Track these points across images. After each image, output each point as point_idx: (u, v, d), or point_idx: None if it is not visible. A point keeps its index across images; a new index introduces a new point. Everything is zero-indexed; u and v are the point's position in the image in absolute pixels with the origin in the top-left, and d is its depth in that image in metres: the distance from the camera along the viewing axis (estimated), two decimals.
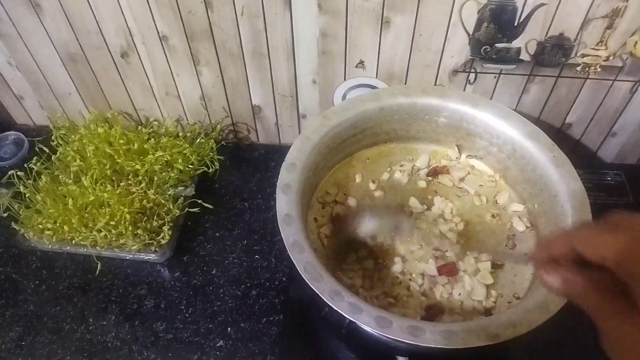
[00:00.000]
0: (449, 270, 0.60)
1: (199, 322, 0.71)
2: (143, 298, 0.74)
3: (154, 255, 0.75)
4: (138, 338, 0.70)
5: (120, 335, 0.70)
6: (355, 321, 0.48)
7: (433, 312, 0.58)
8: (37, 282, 0.76)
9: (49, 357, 0.68)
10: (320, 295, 0.49)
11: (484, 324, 0.47)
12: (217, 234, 0.81)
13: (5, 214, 0.77)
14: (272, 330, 0.70)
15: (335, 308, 0.48)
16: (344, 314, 0.49)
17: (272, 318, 0.71)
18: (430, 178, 0.68)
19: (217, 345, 0.69)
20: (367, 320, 0.47)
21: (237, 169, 0.90)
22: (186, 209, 0.78)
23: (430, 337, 0.46)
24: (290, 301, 0.70)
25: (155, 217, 0.75)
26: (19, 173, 0.76)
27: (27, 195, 0.76)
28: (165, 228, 0.74)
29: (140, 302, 0.73)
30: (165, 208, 0.76)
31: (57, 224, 0.73)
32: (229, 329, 0.70)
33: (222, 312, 0.72)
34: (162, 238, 0.74)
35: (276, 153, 0.92)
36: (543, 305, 0.49)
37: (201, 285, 0.75)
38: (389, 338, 0.47)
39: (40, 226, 0.74)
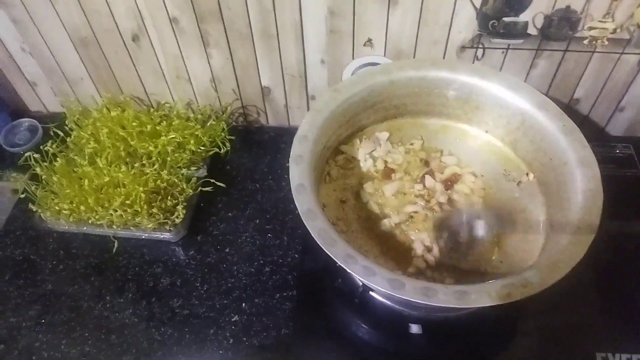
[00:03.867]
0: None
1: (214, 298, 0.72)
2: (159, 276, 0.75)
3: (168, 234, 0.76)
4: (155, 314, 0.71)
5: (137, 312, 0.72)
6: (369, 284, 0.49)
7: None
8: (54, 262, 0.77)
9: (68, 334, 0.70)
10: (335, 259, 0.50)
11: (495, 284, 0.48)
12: (229, 213, 0.82)
13: (23, 195, 0.79)
14: (286, 305, 0.71)
15: (349, 271, 0.49)
16: (357, 277, 0.50)
17: (285, 294, 0.72)
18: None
19: (233, 320, 0.70)
20: (381, 282, 0.48)
21: (248, 151, 0.91)
22: (199, 189, 0.79)
23: (443, 297, 0.47)
24: (303, 276, 0.71)
25: (169, 197, 0.76)
26: (34, 155, 0.77)
27: (43, 178, 0.77)
28: (179, 207, 0.75)
29: (156, 280, 0.75)
30: (179, 188, 0.78)
31: (74, 205, 0.74)
32: (244, 304, 0.72)
33: (237, 288, 0.73)
34: (177, 217, 0.76)
35: (286, 135, 0.93)
36: (554, 266, 0.49)
37: (215, 263, 0.76)
38: (403, 300, 0.48)
39: (57, 207, 0.75)
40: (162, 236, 0.76)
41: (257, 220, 0.81)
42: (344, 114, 0.66)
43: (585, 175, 0.57)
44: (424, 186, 0.66)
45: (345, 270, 0.50)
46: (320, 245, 0.51)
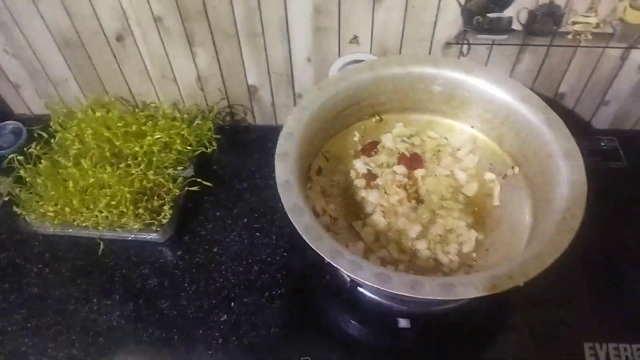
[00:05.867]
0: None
1: (202, 299, 0.72)
2: (146, 277, 0.74)
3: (155, 234, 0.75)
4: (143, 316, 0.70)
5: (125, 314, 0.71)
6: (357, 278, 0.48)
7: None
8: (40, 265, 0.76)
9: (55, 338, 0.69)
10: (322, 255, 0.49)
11: (481, 276, 0.48)
12: (217, 213, 0.81)
13: (7, 198, 0.78)
14: (275, 304, 0.71)
15: (336, 266, 0.49)
16: (345, 272, 0.49)
17: (274, 292, 0.72)
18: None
19: (221, 319, 0.70)
20: (368, 277, 0.48)
21: (235, 150, 0.90)
22: (186, 189, 0.78)
23: (429, 289, 0.47)
24: (292, 274, 0.71)
25: (155, 197, 0.76)
26: (19, 157, 0.76)
27: (27, 180, 0.76)
28: (166, 207, 0.75)
29: (144, 281, 0.74)
30: (165, 188, 0.77)
31: (59, 207, 0.74)
32: (232, 303, 0.71)
33: (225, 288, 0.73)
34: (163, 217, 0.75)
35: (273, 134, 0.90)
36: (539, 257, 0.49)
37: (203, 263, 0.76)
38: (390, 294, 0.48)
39: (41, 210, 0.75)
40: (148, 237, 0.76)
41: (245, 220, 0.81)
42: (330, 110, 0.66)
43: (569, 167, 0.57)
44: (404, 176, 0.66)
45: (333, 266, 0.50)
46: (307, 241, 0.51)
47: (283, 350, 0.65)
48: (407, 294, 0.47)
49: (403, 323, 0.60)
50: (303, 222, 0.52)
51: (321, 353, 0.62)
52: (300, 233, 0.51)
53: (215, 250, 0.77)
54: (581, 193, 0.54)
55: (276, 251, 0.76)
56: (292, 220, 0.52)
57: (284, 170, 0.57)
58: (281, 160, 0.58)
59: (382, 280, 0.47)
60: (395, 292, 0.47)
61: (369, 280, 0.48)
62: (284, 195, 0.55)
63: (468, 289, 0.47)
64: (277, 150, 0.59)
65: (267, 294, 0.72)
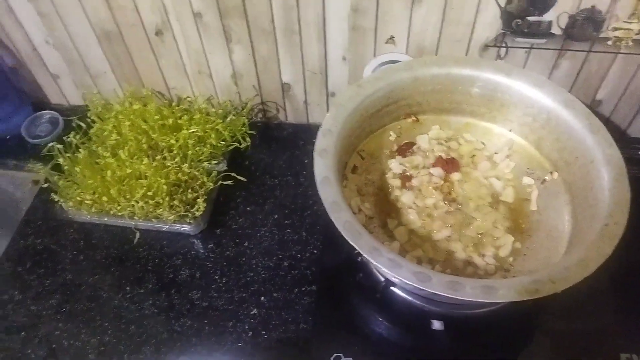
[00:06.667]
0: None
1: (232, 292, 0.73)
2: (178, 268, 0.75)
3: (188, 226, 0.76)
4: (174, 306, 0.71)
5: (157, 303, 0.72)
6: (395, 276, 0.49)
7: None
8: (75, 252, 0.78)
9: (88, 323, 0.70)
10: (360, 251, 0.50)
11: (523, 280, 0.48)
12: (248, 208, 0.82)
13: (45, 185, 0.79)
14: (305, 300, 0.71)
15: (374, 263, 0.49)
16: (383, 270, 0.50)
17: (304, 288, 0.72)
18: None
19: (251, 313, 0.70)
20: (407, 275, 0.48)
21: (267, 147, 0.91)
22: (220, 182, 0.79)
23: (471, 291, 0.47)
24: (323, 271, 0.71)
25: (189, 190, 0.77)
26: (58, 146, 0.78)
27: (65, 168, 0.78)
28: (200, 200, 0.76)
29: (176, 272, 0.75)
30: (199, 181, 0.78)
31: (96, 195, 0.75)
32: (262, 298, 0.72)
33: (255, 282, 0.74)
34: (197, 210, 0.76)
35: (305, 132, 0.93)
36: (582, 262, 0.49)
37: (234, 257, 0.76)
38: (427, 294, 0.48)
39: (79, 198, 0.76)
40: (182, 228, 0.77)
41: (276, 215, 0.81)
42: (367, 109, 0.67)
43: (611, 173, 0.56)
44: (440, 178, 0.66)
45: (367, 265, 0.50)
46: (346, 237, 0.51)
47: (313, 347, 0.65)
48: (447, 295, 0.46)
49: (437, 325, 0.60)
50: (342, 219, 0.52)
51: (351, 351, 0.62)
52: (339, 229, 0.51)
53: (246, 244, 0.78)
54: (624, 200, 0.54)
55: (306, 248, 0.77)
56: (331, 216, 0.53)
57: (323, 166, 0.57)
58: (320, 156, 0.58)
59: (422, 280, 0.47)
60: (435, 292, 0.47)
61: (408, 279, 0.48)
62: (323, 191, 0.55)
63: (510, 292, 0.46)
64: (315, 146, 0.59)
65: (297, 290, 0.72)
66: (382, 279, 0.61)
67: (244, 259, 0.76)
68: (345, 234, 0.51)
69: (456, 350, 0.61)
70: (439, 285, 0.47)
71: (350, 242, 0.51)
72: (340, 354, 0.59)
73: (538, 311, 0.65)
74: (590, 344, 0.62)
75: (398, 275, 0.48)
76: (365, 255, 0.50)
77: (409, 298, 0.62)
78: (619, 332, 0.64)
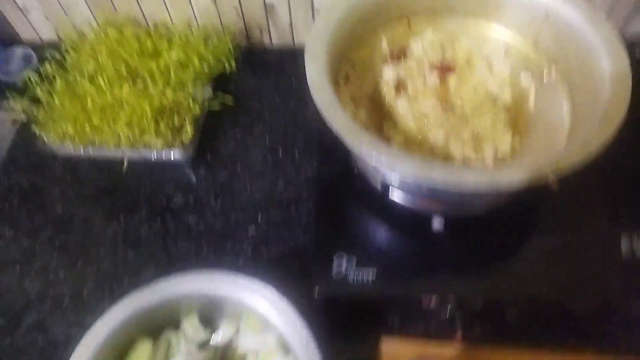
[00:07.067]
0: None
1: (229, 214, 0.72)
2: (171, 196, 0.74)
3: (177, 154, 0.74)
4: (170, 231, 0.70)
5: (153, 229, 0.71)
6: (399, 170, 0.47)
7: None
8: (62, 186, 0.75)
9: (84, 253, 0.69)
10: (358, 150, 0.48)
11: (527, 164, 0.47)
12: (237, 133, 0.80)
13: (24, 117, 0.76)
14: (303, 217, 0.70)
15: (377, 160, 0.48)
16: (385, 165, 0.48)
17: (300, 207, 0.71)
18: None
19: (249, 234, 0.70)
20: (409, 168, 0.47)
21: (252, 71, 0.88)
22: (206, 109, 0.77)
23: (474, 178, 0.46)
24: (319, 188, 0.70)
25: (175, 116, 0.74)
26: (33, 76, 0.74)
27: (43, 99, 0.74)
28: (187, 124, 0.73)
29: (169, 199, 0.73)
30: (185, 106, 0.75)
31: (78, 125, 0.72)
32: (259, 218, 0.71)
33: (251, 204, 0.72)
34: (185, 136, 0.73)
35: (290, 55, 0.90)
36: (585, 145, 0.48)
37: (227, 181, 0.75)
38: (428, 189, 0.47)
39: (60, 129, 0.73)
40: (171, 157, 0.74)
41: (267, 139, 0.79)
42: (359, 11, 0.63)
43: (612, 60, 0.55)
44: (435, 82, 0.64)
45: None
46: (343, 137, 0.49)
47: (313, 261, 0.65)
48: (450, 184, 0.45)
49: (436, 225, 0.60)
50: (339, 119, 0.50)
51: (352, 261, 0.62)
52: (336, 130, 0.50)
53: (238, 168, 0.76)
54: (625, 84, 0.52)
55: (300, 169, 0.75)
56: (327, 118, 0.51)
57: (316, 71, 0.55)
58: (312, 60, 0.56)
59: (425, 170, 0.46)
60: (439, 182, 0.46)
61: (411, 170, 0.46)
62: (317, 95, 0.53)
63: (514, 175, 0.46)
64: (306, 51, 0.57)
65: (293, 207, 0.71)
66: (380, 186, 0.60)
67: (237, 182, 0.75)
68: (344, 134, 0.49)
69: (456, 253, 0.60)
70: (442, 174, 0.46)
71: (349, 142, 0.49)
72: (343, 252, 0.58)
73: (537, 207, 0.65)
74: (592, 227, 0.61)
75: (401, 169, 0.47)
76: (365, 153, 0.48)
77: (408, 205, 0.61)
78: (621, 213, 0.64)
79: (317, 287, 0.57)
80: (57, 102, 0.73)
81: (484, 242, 0.61)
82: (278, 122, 0.81)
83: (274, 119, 0.81)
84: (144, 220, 0.71)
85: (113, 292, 0.66)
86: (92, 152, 0.75)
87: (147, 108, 0.70)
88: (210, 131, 0.80)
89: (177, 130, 0.74)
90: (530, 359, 0.55)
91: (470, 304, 0.58)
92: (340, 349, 0.50)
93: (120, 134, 0.71)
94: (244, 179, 0.75)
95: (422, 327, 0.59)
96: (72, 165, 0.77)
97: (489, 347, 0.57)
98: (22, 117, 0.76)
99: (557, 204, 0.63)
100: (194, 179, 0.75)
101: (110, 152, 0.74)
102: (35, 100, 0.76)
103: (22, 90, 0.77)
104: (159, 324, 0.53)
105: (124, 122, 0.70)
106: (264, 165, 0.76)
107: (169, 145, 0.74)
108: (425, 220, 0.60)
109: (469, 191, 0.46)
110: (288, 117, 0.82)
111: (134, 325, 0.50)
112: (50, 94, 0.74)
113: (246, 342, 0.54)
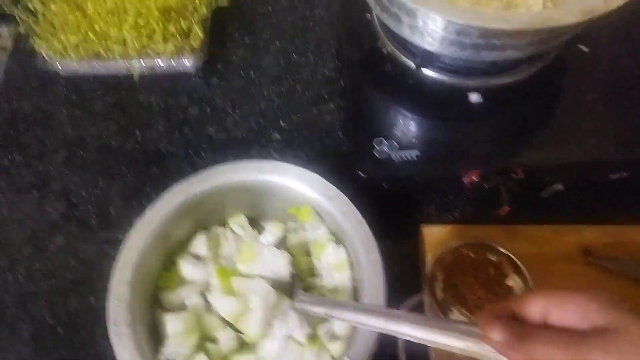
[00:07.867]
0: None
1: (249, 120, 0.69)
2: (186, 108, 0.71)
3: (187, 63, 0.70)
4: (191, 142, 0.68)
5: (172, 142, 0.68)
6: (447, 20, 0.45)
7: None
8: (69, 107, 0.71)
9: (103, 172, 0.66)
10: (400, 14, 0.45)
11: (573, 4, 0.45)
12: (246, 39, 0.76)
13: (22, 29, 0.70)
14: (325, 118, 0.68)
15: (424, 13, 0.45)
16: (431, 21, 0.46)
17: (322, 107, 0.69)
18: None
19: (274, 138, 0.67)
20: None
21: None
22: (214, 5, 0.72)
23: (524, 19, 0.43)
24: (346, 76, 0.67)
25: (182, 20, 0.70)
26: None
27: (39, 11, 0.69)
28: (195, 26, 0.69)
29: (185, 111, 0.70)
30: (191, 8, 0.71)
31: (81, 33, 0.67)
32: (281, 122, 0.69)
33: (270, 109, 0.70)
34: (194, 39, 0.69)
35: None
36: None
37: (243, 89, 0.72)
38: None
39: (61, 42, 0.68)
40: (182, 65, 0.70)
41: (277, 43, 0.76)
42: None
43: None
44: None
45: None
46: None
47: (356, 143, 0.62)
48: (498, 27, 0.43)
49: (474, 98, 0.58)
50: None
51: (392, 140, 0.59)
52: None
53: (252, 74, 0.73)
54: None
55: (316, 69, 0.73)
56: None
57: None
58: None
59: (473, 16, 0.44)
60: (487, 25, 0.43)
61: (466, 15, 0.44)
62: None
63: (566, 16, 0.44)
64: None
65: (314, 109, 0.69)
66: (413, 65, 0.57)
67: (253, 88, 0.72)
68: None
69: (493, 122, 0.59)
70: (491, 19, 0.43)
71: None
72: (382, 137, 0.56)
73: (570, 75, 0.63)
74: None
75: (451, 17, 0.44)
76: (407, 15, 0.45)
77: (443, 77, 0.59)
78: None
79: (363, 167, 0.54)
80: (53, 9, 0.67)
81: (520, 112, 0.59)
82: (287, 25, 0.77)
83: (282, 22, 0.78)
84: (163, 135, 0.68)
85: (143, 205, 0.63)
86: (97, 66, 0.70)
87: (153, 6, 0.66)
88: (217, 38, 0.75)
89: (186, 35, 0.70)
90: (570, 233, 0.54)
91: (511, 175, 0.57)
92: (384, 236, 0.49)
93: (127, 39, 0.66)
94: (260, 85, 0.72)
95: (463, 211, 0.59)
96: (76, 84, 0.72)
97: (529, 225, 0.56)
98: (20, 29, 0.70)
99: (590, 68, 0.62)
100: (208, 89, 0.72)
101: (117, 66, 0.70)
102: (30, 12, 0.70)
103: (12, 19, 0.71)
104: (205, 219, 0.51)
105: (130, 25, 0.65)
106: (278, 70, 0.73)
107: (179, 52, 0.70)
108: (462, 94, 0.58)
109: (524, 30, 0.44)
110: (297, 20, 0.78)
111: (183, 215, 0.49)
112: (43, 3, 0.68)
113: (297, 237, 0.52)
